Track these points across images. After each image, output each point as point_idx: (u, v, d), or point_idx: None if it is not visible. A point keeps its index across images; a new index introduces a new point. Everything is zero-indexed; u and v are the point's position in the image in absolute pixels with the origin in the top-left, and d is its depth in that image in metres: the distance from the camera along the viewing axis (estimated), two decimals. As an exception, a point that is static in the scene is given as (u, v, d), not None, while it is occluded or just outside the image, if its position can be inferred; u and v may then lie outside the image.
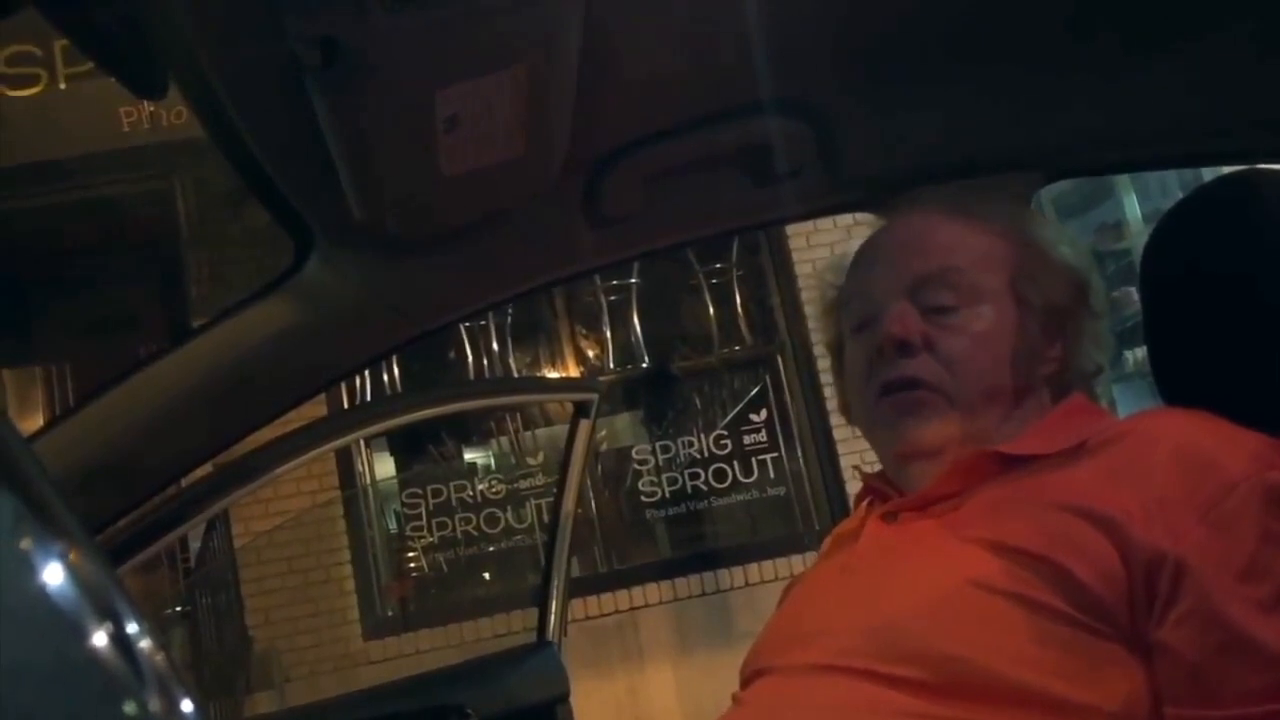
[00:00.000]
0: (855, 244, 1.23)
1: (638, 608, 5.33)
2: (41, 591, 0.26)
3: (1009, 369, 1.07)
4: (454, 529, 5.60)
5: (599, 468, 5.70)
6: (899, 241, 1.15)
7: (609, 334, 5.89)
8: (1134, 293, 1.29)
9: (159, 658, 0.27)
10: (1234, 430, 0.94)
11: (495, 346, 5.78)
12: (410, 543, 5.64)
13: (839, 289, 1.23)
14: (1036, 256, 1.12)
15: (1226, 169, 1.19)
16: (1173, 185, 5.19)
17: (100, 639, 0.26)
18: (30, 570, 0.26)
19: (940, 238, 1.12)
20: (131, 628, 0.26)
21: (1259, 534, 0.85)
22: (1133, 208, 6.05)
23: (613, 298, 5.89)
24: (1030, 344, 1.09)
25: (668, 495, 5.71)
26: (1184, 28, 1.16)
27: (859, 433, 1.20)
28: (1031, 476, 0.98)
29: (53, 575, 0.26)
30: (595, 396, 1.95)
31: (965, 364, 1.06)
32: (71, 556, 0.26)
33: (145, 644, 0.27)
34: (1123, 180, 5.92)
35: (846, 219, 3.95)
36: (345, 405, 5.04)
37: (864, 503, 1.18)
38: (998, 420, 1.06)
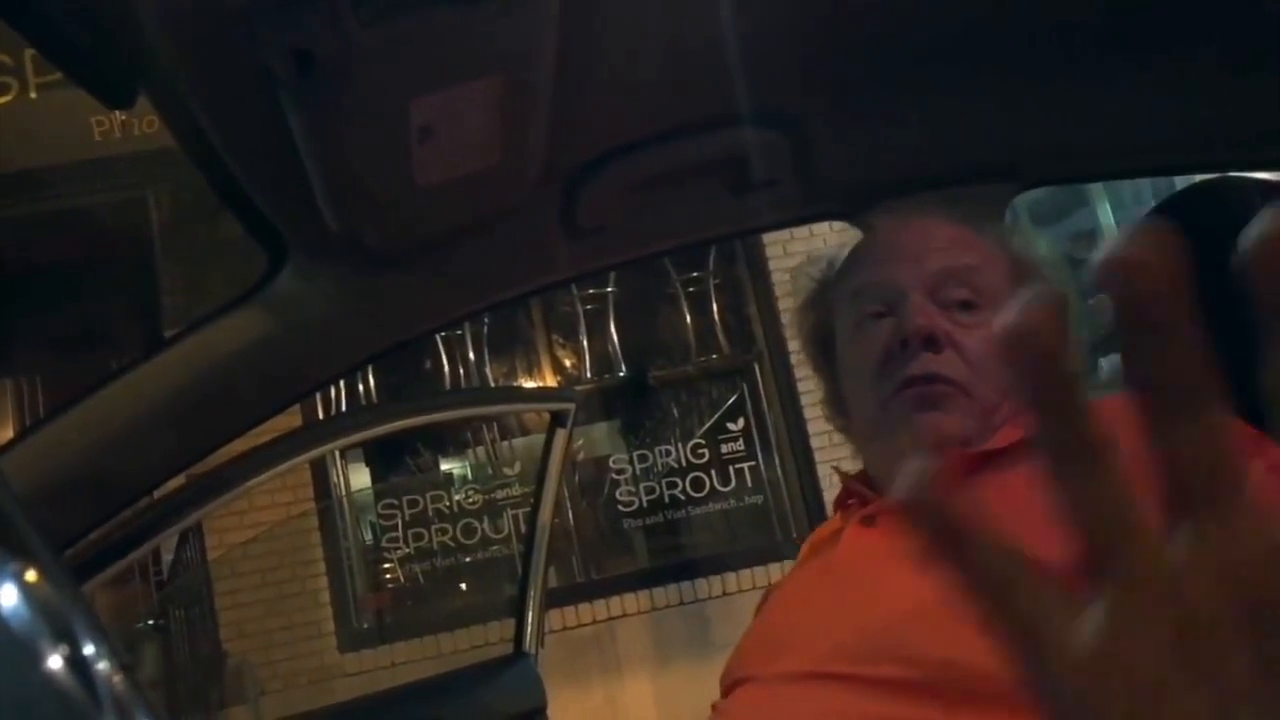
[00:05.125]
0: (833, 251, 1.23)
1: (615, 618, 5.32)
2: (-5, 614, 0.25)
3: None
4: (430, 540, 5.57)
5: (576, 477, 5.69)
6: (917, 238, 1.13)
7: (586, 343, 5.89)
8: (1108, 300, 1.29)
9: (118, 679, 0.26)
10: None
11: (472, 356, 5.76)
12: (386, 554, 5.61)
13: (819, 283, 1.22)
14: (1030, 272, 1.13)
15: (1199, 177, 1.19)
16: (1146, 194, 5.23)
17: (56, 662, 0.25)
18: (-17, 592, 0.25)
19: (956, 238, 1.11)
20: (89, 649, 0.26)
21: None
22: (1106, 216, 6.10)
23: (589, 307, 5.88)
24: None
25: (645, 505, 5.70)
26: (1158, 40, 1.17)
27: (837, 440, 1.19)
28: (1008, 472, 0.98)
29: (7, 596, 0.25)
30: (572, 406, 1.95)
31: (986, 363, 1.05)
32: (28, 576, 0.26)
33: (104, 666, 0.26)
34: (1096, 189, 5.97)
35: (823, 228, 3.96)
36: (320, 416, 5.02)
37: (842, 507, 1.17)
38: (1003, 423, 1.06)
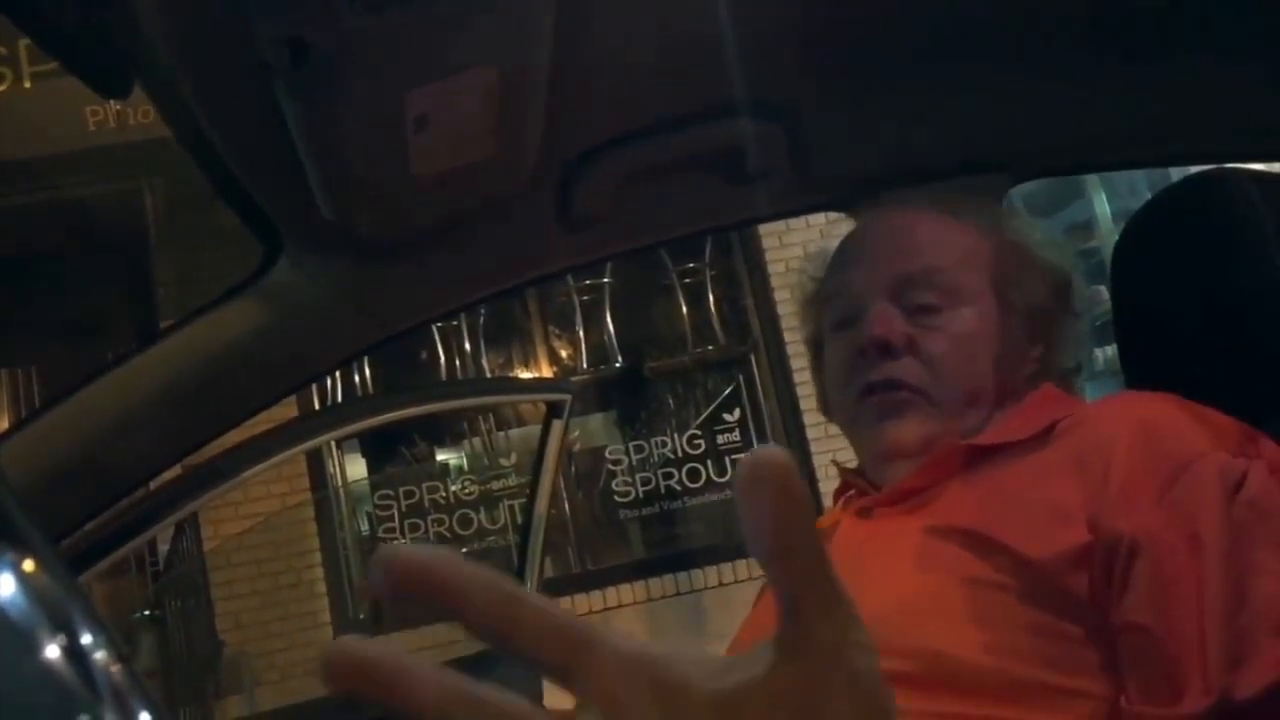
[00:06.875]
0: (830, 243, 1.23)
1: (611, 608, 5.33)
2: (-8, 604, 0.25)
3: (991, 371, 1.07)
4: (427, 530, 5.57)
5: (572, 468, 5.69)
6: (880, 240, 1.14)
7: (582, 334, 5.89)
8: (1104, 291, 1.30)
9: (116, 669, 0.26)
10: (1201, 411, 0.94)
11: (468, 347, 5.76)
12: (382, 545, 5.61)
13: (818, 282, 1.22)
14: (1019, 257, 1.12)
15: (1194, 169, 1.19)
16: (1141, 185, 5.23)
17: (53, 652, 0.25)
18: (-20, 582, 0.25)
19: (922, 236, 1.11)
20: (87, 639, 0.26)
21: (1213, 514, 0.86)
22: (1102, 207, 6.11)
23: (586, 298, 5.88)
24: (1012, 346, 1.09)
25: (641, 495, 5.71)
26: (1153, 32, 1.17)
27: (833, 431, 1.19)
28: (1002, 466, 0.98)
29: (4, 587, 0.25)
30: (568, 397, 1.95)
31: (948, 365, 1.06)
32: (25, 566, 0.26)
33: (101, 656, 0.26)
34: (1092, 180, 5.97)
35: (820, 218, 3.96)
36: (316, 407, 5.01)
37: (840, 499, 1.17)
38: (978, 422, 1.06)
